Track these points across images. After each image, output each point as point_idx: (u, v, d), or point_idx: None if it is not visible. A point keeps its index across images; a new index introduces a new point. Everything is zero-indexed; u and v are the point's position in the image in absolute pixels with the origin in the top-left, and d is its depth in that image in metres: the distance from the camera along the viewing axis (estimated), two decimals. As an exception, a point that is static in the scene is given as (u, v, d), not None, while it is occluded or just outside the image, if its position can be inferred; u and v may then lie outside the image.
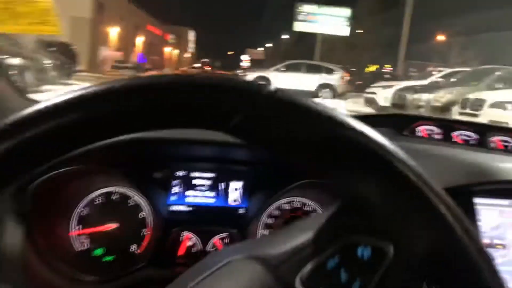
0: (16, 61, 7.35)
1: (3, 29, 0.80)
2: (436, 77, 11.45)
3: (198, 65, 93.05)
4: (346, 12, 27.89)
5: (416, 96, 9.39)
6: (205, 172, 0.83)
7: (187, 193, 0.82)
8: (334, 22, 27.76)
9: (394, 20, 31.49)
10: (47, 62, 10.27)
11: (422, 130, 1.16)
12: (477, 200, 0.74)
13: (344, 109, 11.55)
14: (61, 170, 0.73)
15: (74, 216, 0.79)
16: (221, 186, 0.83)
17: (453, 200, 0.47)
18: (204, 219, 0.82)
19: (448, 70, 11.99)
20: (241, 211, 0.83)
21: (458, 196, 0.66)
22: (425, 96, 8.92)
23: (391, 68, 26.85)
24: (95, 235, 0.80)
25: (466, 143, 1.14)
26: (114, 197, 0.81)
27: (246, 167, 0.84)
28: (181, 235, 0.81)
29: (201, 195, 0.83)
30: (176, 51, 71.51)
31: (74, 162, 0.75)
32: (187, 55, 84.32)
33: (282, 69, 15.42)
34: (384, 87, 11.37)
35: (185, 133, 0.79)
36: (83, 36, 30.86)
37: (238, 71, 19.16)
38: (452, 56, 25.32)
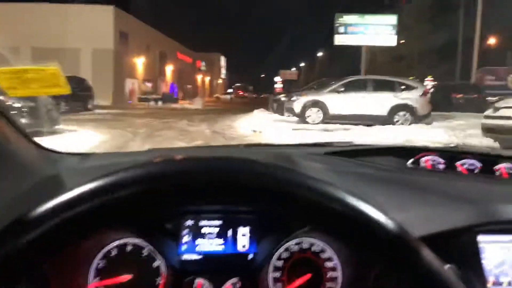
0: (18, 103, 7.29)
1: (14, 94, 0.88)
2: None
3: (231, 90, 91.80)
4: (392, 19, 24.33)
5: None
6: (213, 220, 0.84)
7: (197, 241, 0.84)
8: (379, 32, 24.18)
9: (446, 24, 27.91)
10: (50, 102, 8.82)
11: (426, 161, 1.16)
12: (480, 237, 0.76)
13: (431, 140, 7.95)
14: None
15: (92, 269, 0.81)
16: (229, 233, 0.84)
17: (458, 239, 0.73)
18: (215, 266, 0.84)
19: None
20: (250, 256, 0.84)
21: (462, 234, 0.75)
22: None
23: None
24: (112, 286, 0.82)
25: (471, 172, 1.13)
26: (128, 248, 0.82)
27: (252, 215, 0.85)
28: (194, 283, 0.82)
29: (210, 243, 0.84)
30: (208, 78, 69.56)
31: None
32: (219, 81, 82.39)
33: (340, 89, 11.68)
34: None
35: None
36: (107, 68, 28.53)
37: (282, 96, 15.25)
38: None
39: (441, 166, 1.15)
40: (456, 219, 0.77)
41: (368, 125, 10.49)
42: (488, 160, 1.14)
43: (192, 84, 53.29)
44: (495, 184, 0.99)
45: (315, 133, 9.26)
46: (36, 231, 0.38)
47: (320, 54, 60.34)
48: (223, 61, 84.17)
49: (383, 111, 11.25)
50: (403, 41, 28.08)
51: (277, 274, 0.85)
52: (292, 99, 12.24)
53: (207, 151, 1.42)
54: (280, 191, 0.40)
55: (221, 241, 0.84)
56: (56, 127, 8.35)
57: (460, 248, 0.76)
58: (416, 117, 11.16)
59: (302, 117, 11.70)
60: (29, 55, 28.09)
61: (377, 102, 11.26)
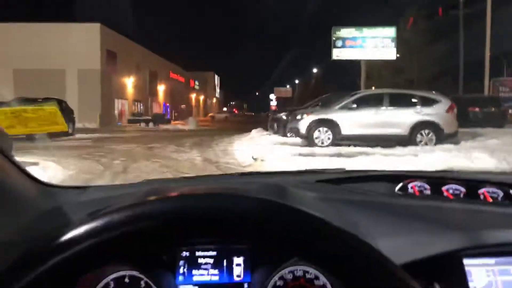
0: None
1: (12, 132, 1.08)
2: None
3: (225, 109, 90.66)
4: (390, 32, 23.32)
5: None
6: (208, 251, 0.87)
7: (193, 272, 0.85)
8: (377, 45, 23.09)
9: (446, 35, 26.95)
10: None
11: (413, 187, 1.19)
12: (466, 261, 0.80)
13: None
14: None
15: None
16: (224, 262, 0.86)
17: (445, 263, 0.79)
18: None
19: None
20: (245, 286, 0.85)
21: (449, 259, 0.80)
22: None
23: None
24: None
25: (456, 197, 1.17)
26: (125, 281, 0.83)
27: (246, 245, 0.87)
28: None
29: (206, 273, 0.86)
30: (202, 97, 68.22)
31: None
32: (214, 100, 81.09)
33: (351, 105, 10.08)
34: None
35: None
36: (94, 90, 26.95)
37: (282, 114, 13.68)
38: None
39: (428, 192, 1.19)
40: (443, 244, 0.80)
41: (386, 146, 8.90)
42: (472, 185, 1.17)
43: (186, 104, 51.80)
44: (479, 208, 1.02)
45: (327, 160, 7.61)
46: (41, 267, 0.40)
47: (315, 70, 59.26)
48: (216, 79, 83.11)
49: (404, 129, 9.64)
50: (399, 55, 27.17)
51: None
52: (297, 117, 10.59)
53: (202, 183, 1.35)
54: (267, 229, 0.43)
55: (216, 271, 0.86)
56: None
57: (447, 272, 0.79)
58: (442, 136, 9.57)
59: (308, 139, 10.08)
60: (11, 77, 26.53)
61: (396, 120, 9.67)
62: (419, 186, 1.19)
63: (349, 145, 9.57)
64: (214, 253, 0.86)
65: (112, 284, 0.82)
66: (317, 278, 0.85)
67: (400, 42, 24.29)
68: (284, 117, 13.05)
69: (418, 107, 9.85)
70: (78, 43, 26.18)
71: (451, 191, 1.17)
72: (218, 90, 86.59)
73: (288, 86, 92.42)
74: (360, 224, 0.85)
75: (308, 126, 10.05)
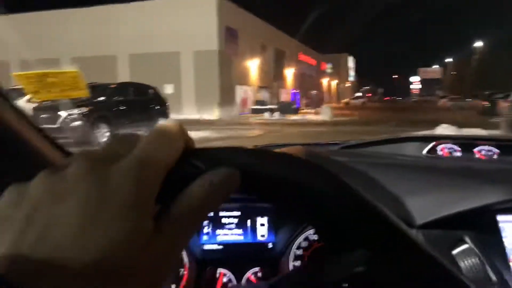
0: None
1: (38, 97, 1.02)
2: None
3: (360, 94, 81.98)
4: None
5: None
6: (232, 211, 0.88)
7: (217, 231, 0.87)
8: None
9: None
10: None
11: (442, 149, 1.16)
12: (500, 217, 0.77)
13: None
14: None
15: None
16: (248, 222, 0.87)
17: (479, 219, 0.75)
18: (236, 256, 0.87)
19: None
20: (270, 245, 0.87)
21: (482, 214, 0.76)
22: None
23: None
24: None
25: (489, 158, 1.14)
26: None
27: (269, 204, 0.87)
28: (216, 272, 0.85)
29: (230, 233, 0.87)
30: (335, 82, 61.37)
31: None
32: (347, 84, 73.31)
33: None
34: None
35: None
36: (211, 74, 22.80)
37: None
38: None
39: (458, 154, 1.14)
40: (475, 199, 0.76)
41: None
42: (506, 145, 1.13)
43: (316, 90, 45.80)
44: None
45: None
46: None
47: (478, 45, 47.24)
48: (351, 62, 74.99)
49: None
50: None
51: (298, 263, 0.86)
52: None
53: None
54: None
55: (240, 231, 0.87)
56: None
57: (481, 227, 0.76)
58: None
59: None
60: (127, 62, 23.98)
61: None
62: (449, 148, 1.13)
63: None
64: (238, 213, 0.86)
65: None
66: None
67: None
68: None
69: None
70: (192, 19, 22.19)
71: (483, 152, 1.11)
72: (352, 73, 78.40)
73: (437, 66, 79.04)
74: (386, 184, 0.79)
75: None
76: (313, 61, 46.10)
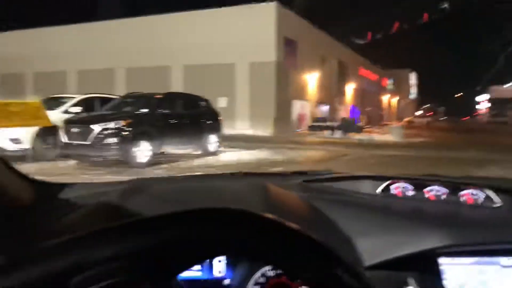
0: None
1: None
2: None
3: (421, 112, 77.16)
4: None
5: None
6: None
7: None
8: None
9: None
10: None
11: (396, 188, 1.21)
12: (441, 260, 0.82)
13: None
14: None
15: None
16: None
17: (422, 262, 0.80)
18: None
19: None
20: (226, 282, 0.88)
21: (426, 258, 0.80)
22: None
23: None
24: None
25: (438, 199, 1.19)
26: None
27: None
28: None
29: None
30: (395, 99, 57.86)
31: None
32: (407, 101, 69.12)
33: None
34: None
35: None
36: (268, 87, 21.26)
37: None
38: None
39: (411, 193, 1.20)
40: (419, 243, 0.80)
41: None
42: (454, 187, 1.18)
43: (376, 106, 42.96)
44: (458, 209, 1.03)
45: None
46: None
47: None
48: (413, 78, 70.82)
49: None
50: None
51: None
52: None
53: (199, 180, 1.37)
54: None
55: (198, 267, 0.87)
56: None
57: (424, 270, 0.80)
58: None
59: None
60: (181, 73, 23.10)
61: None
62: (403, 188, 1.19)
63: None
64: None
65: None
66: None
67: None
68: None
69: None
70: (249, 29, 20.86)
71: (433, 192, 1.17)
72: (414, 90, 74.02)
73: (511, 84, 72.81)
74: (342, 223, 0.83)
75: None
76: (374, 76, 43.43)
